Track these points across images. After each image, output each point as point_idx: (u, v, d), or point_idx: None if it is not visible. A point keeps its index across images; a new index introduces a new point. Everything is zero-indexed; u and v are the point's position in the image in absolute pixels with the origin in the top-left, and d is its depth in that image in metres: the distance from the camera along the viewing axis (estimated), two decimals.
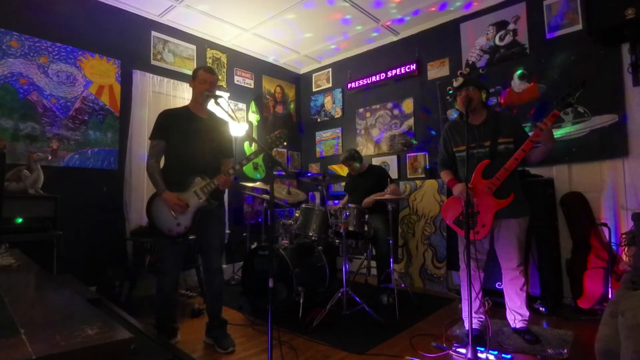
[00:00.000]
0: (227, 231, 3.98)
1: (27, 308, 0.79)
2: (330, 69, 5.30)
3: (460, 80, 2.43)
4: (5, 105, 3.01)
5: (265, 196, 3.82)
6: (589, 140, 3.15)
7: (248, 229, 4.37)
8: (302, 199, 3.82)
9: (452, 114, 3.97)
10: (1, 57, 3.01)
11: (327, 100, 5.31)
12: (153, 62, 3.98)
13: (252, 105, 4.93)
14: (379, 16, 4.10)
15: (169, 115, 2.36)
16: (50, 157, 3.13)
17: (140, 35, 3.91)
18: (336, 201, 4.88)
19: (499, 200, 2.24)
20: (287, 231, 3.33)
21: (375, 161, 4.61)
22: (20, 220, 2.61)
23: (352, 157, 3.66)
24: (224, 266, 3.44)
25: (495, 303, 2.89)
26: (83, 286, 1.57)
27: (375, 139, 4.72)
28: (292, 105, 5.55)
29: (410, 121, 4.41)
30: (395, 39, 4.57)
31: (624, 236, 2.79)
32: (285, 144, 2.34)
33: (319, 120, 5.41)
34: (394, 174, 4.38)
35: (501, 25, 3.72)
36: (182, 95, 4.07)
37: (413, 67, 4.34)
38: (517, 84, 3.57)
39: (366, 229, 3.11)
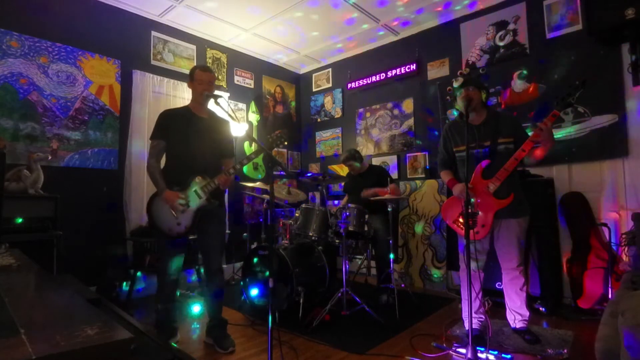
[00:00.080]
0: (227, 231, 3.98)
1: (27, 308, 0.79)
2: (330, 69, 5.30)
3: (460, 80, 2.43)
4: (5, 105, 3.01)
5: (265, 196, 3.82)
6: (589, 140, 3.15)
7: (248, 229, 4.37)
8: (302, 199, 3.82)
9: (452, 114, 3.97)
10: (1, 57, 3.01)
11: (327, 100, 5.31)
12: (153, 62, 3.98)
13: (252, 105, 4.93)
14: (379, 16, 4.11)
15: (169, 115, 2.36)
16: (50, 157, 3.13)
17: (140, 35, 3.91)
18: (336, 201, 4.89)
19: (499, 200, 2.24)
20: (287, 231, 3.33)
21: (375, 161, 4.61)
22: (20, 220, 2.61)
23: (353, 157, 3.67)
24: (224, 266, 3.44)
25: (495, 303, 2.89)
26: (83, 286, 1.57)
27: (375, 139, 4.72)
28: (292, 104, 5.55)
29: (411, 121, 4.41)
30: (395, 38, 4.57)
31: (624, 236, 2.79)
32: (286, 143, 2.34)
33: (319, 120, 5.41)
34: (394, 174, 4.39)
35: (501, 25, 3.72)
36: (182, 95, 4.07)
37: (413, 67, 4.34)
38: (517, 84, 3.57)
39: (366, 229, 3.12)
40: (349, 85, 4.96)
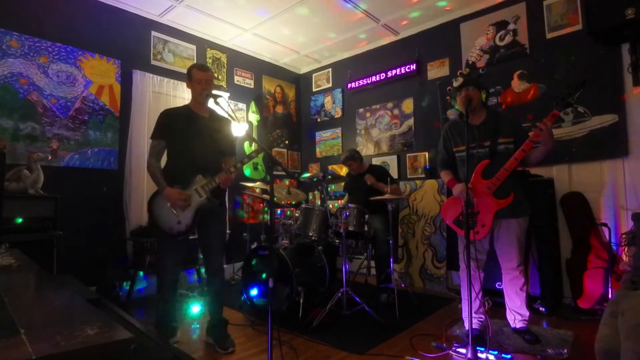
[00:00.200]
0: (228, 231, 3.98)
1: (27, 308, 0.79)
2: (330, 69, 5.30)
3: (460, 80, 2.44)
4: (5, 105, 3.01)
5: (265, 196, 3.81)
6: (589, 140, 3.15)
7: (248, 229, 4.37)
8: (302, 199, 3.82)
9: (452, 114, 3.97)
10: (1, 57, 3.01)
11: (327, 100, 5.31)
12: (153, 62, 3.98)
13: (252, 105, 4.93)
14: (379, 16, 4.10)
15: (170, 115, 2.36)
16: (50, 157, 3.13)
17: (140, 35, 3.91)
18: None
19: (499, 200, 2.24)
20: (287, 231, 3.33)
21: (375, 161, 4.61)
22: (20, 220, 2.61)
23: (353, 157, 3.67)
24: (224, 266, 3.44)
25: (495, 303, 2.89)
26: (83, 286, 1.57)
27: (375, 139, 4.72)
28: (292, 104, 5.55)
29: (410, 121, 4.41)
30: (395, 38, 4.57)
31: (624, 236, 2.79)
32: (287, 142, 2.34)
33: (319, 120, 5.41)
34: (394, 174, 4.38)
35: (501, 25, 3.72)
36: (182, 95, 4.07)
37: (413, 67, 4.34)
38: (517, 84, 3.57)
39: (366, 229, 3.12)
40: (349, 85, 4.96)
